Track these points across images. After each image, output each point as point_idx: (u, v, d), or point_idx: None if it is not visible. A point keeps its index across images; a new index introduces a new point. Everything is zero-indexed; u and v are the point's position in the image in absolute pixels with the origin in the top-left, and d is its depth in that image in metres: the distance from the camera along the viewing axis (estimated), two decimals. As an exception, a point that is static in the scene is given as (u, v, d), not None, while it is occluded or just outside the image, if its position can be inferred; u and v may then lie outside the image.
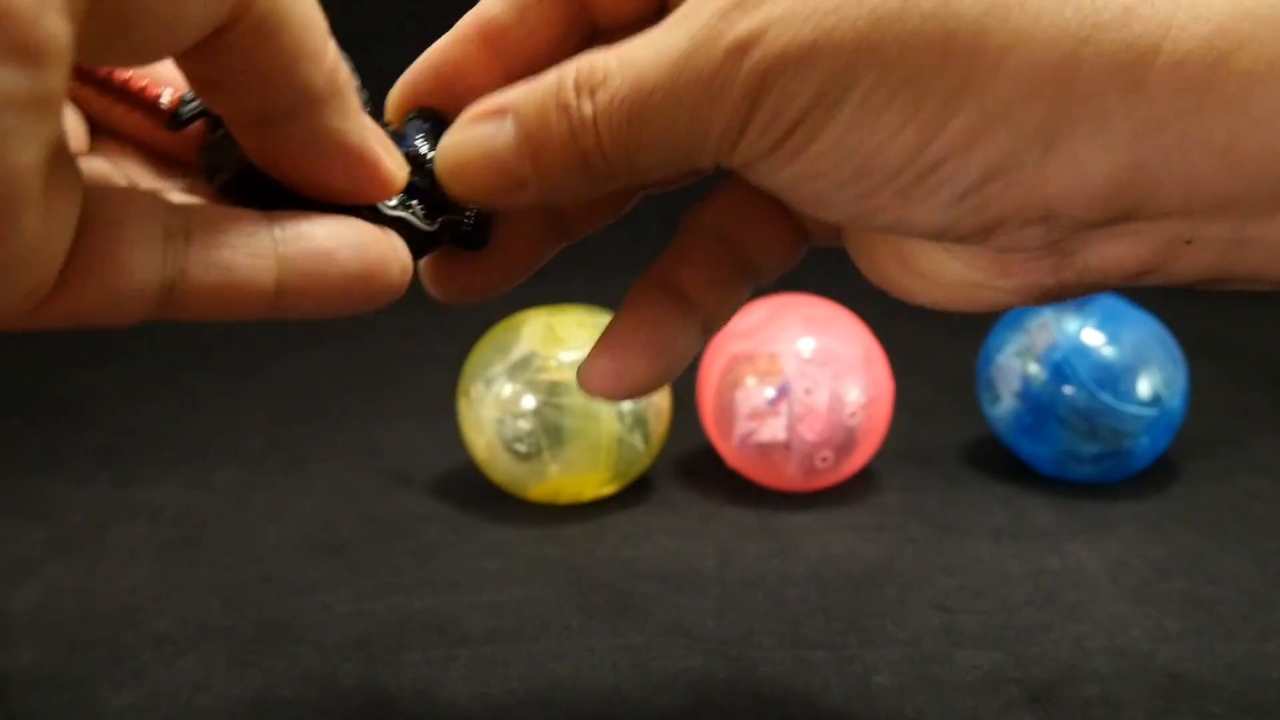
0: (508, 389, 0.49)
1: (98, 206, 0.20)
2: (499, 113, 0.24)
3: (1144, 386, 0.51)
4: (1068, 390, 0.51)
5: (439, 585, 0.45)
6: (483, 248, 0.26)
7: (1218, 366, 0.72)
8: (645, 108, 0.22)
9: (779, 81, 0.22)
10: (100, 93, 0.24)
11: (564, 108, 0.23)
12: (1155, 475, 0.55)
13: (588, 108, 0.23)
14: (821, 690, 0.38)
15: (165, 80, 0.24)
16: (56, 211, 0.19)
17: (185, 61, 0.21)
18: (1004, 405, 0.53)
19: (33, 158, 0.17)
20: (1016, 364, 0.53)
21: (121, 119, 0.26)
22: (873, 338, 0.53)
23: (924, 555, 0.47)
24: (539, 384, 0.49)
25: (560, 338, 0.50)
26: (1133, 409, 0.50)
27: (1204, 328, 0.71)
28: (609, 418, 0.49)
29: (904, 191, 0.22)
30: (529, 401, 0.48)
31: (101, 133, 0.26)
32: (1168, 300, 0.56)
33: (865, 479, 0.55)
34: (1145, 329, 0.52)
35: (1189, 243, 0.22)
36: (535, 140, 0.23)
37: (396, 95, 0.27)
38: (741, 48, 0.22)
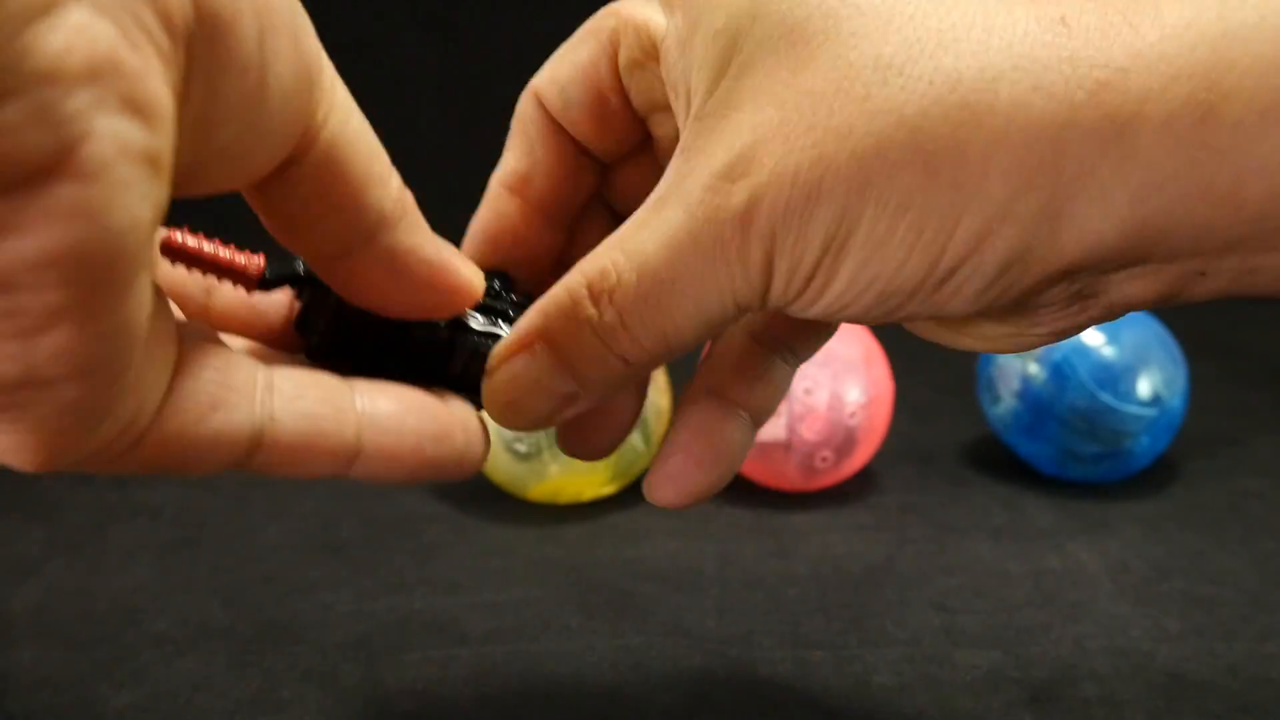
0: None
1: (193, 352, 0.21)
2: (527, 345, 0.25)
3: (1144, 386, 0.51)
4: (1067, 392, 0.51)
5: (439, 585, 0.45)
6: None
7: (1218, 366, 0.72)
8: (666, 295, 0.23)
9: (788, 240, 0.22)
10: (188, 263, 0.24)
11: (586, 321, 0.24)
12: (1155, 475, 0.55)
13: (610, 314, 0.24)
14: (821, 690, 0.38)
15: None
16: (156, 343, 0.19)
17: (260, 198, 0.22)
18: (1004, 405, 0.53)
19: (146, 215, 0.17)
20: (1016, 364, 0.53)
21: (212, 312, 0.26)
22: (873, 338, 0.53)
23: (924, 555, 0.47)
24: (539, 384, 0.49)
25: (560, 338, 0.50)
26: (1133, 409, 0.50)
27: (1204, 328, 0.71)
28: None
29: (929, 298, 0.23)
30: (529, 401, 0.48)
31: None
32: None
33: (865, 479, 0.55)
34: (1145, 329, 0.52)
35: (1203, 274, 0.23)
36: (570, 358, 0.25)
37: None
38: (745, 219, 0.22)
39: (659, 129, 0.29)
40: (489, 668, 0.39)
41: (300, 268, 0.25)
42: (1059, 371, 0.51)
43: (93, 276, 0.17)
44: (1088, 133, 0.21)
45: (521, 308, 0.26)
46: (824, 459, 0.50)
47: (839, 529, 0.50)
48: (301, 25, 0.20)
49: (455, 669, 0.39)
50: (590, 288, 0.24)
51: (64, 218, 0.16)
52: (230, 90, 0.18)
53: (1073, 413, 0.51)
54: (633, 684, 0.38)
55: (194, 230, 0.24)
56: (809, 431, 0.50)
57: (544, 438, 0.49)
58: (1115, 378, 0.50)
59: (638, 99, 0.28)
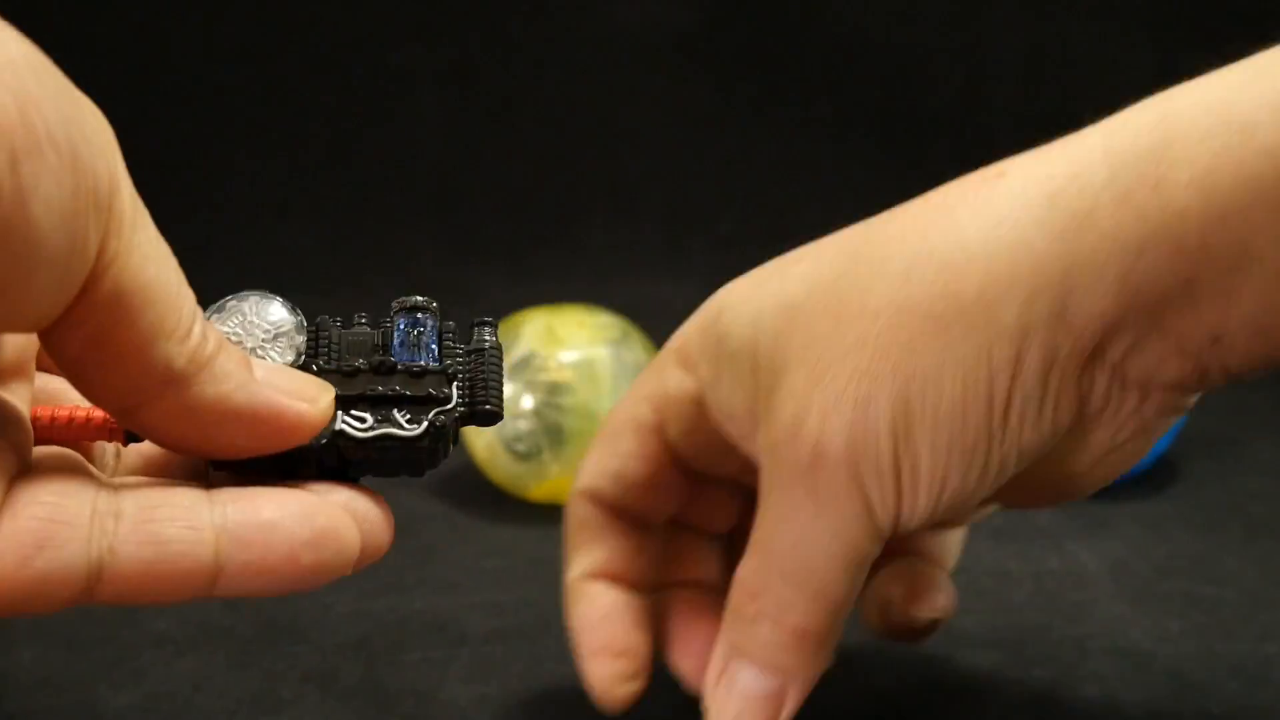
0: (507, 389, 0.49)
1: (24, 488, 0.19)
2: (720, 668, 0.29)
3: (1144, 386, 0.51)
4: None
5: (439, 585, 0.45)
6: (498, 422, 0.25)
7: (1218, 366, 0.72)
8: (804, 580, 0.27)
9: (862, 460, 0.25)
10: (52, 438, 0.23)
11: (756, 619, 0.28)
12: (1155, 475, 0.55)
13: (765, 632, 0.28)
14: (821, 690, 0.38)
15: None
16: None
17: (46, 340, 0.19)
18: (1004, 405, 0.53)
19: None
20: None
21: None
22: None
23: (924, 555, 0.47)
24: (539, 384, 0.49)
25: (560, 338, 0.50)
26: (1133, 409, 0.50)
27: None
28: (609, 418, 0.49)
29: (1005, 440, 0.25)
30: (529, 401, 0.48)
31: None
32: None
33: (865, 479, 0.55)
34: (1146, 329, 0.52)
35: (1216, 340, 0.24)
36: (764, 657, 0.28)
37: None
38: (815, 456, 0.25)
39: (719, 469, 0.32)
40: (489, 668, 0.39)
41: None
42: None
43: None
44: (1061, 237, 0.24)
45: (416, 378, 0.24)
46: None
47: (839, 529, 0.50)
48: (86, 146, 0.18)
49: (455, 669, 0.39)
50: (749, 592, 0.28)
51: None
52: None
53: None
54: (633, 684, 0.38)
55: (48, 405, 0.23)
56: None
57: (544, 438, 0.49)
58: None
59: (697, 456, 0.31)
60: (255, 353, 0.23)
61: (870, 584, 0.30)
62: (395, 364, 0.24)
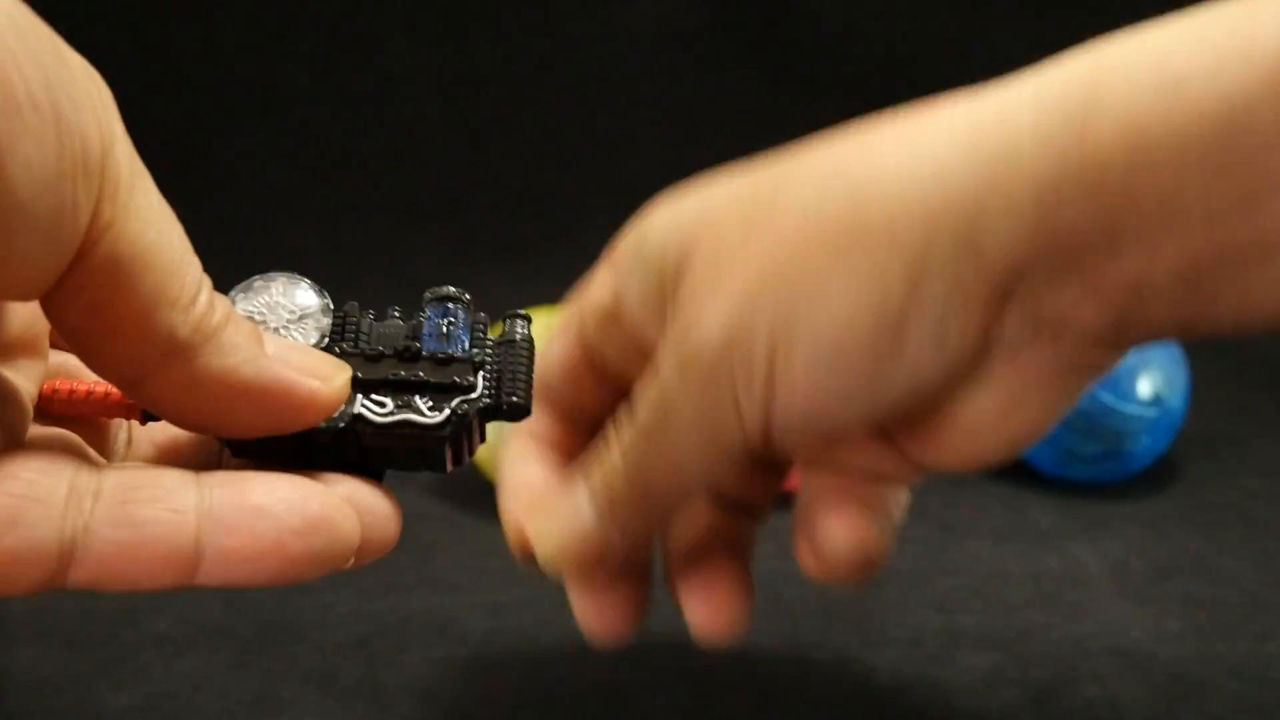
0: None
1: (2, 463, 0.19)
2: (569, 498, 0.28)
3: (1144, 386, 0.50)
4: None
5: (439, 585, 0.45)
6: (525, 416, 0.24)
7: (1218, 366, 0.72)
8: (678, 392, 0.26)
9: (735, 349, 0.25)
10: (68, 413, 0.22)
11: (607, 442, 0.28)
12: (1156, 475, 0.55)
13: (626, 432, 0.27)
14: (822, 690, 0.38)
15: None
16: None
17: (48, 310, 0.19)
18: (1004, 405, 0.53)
19: None
20: (1017, 364, 0.52)
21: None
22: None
23: (924, 555, 0.47)
24: (539, 384, 0.49)
25: (560, 338, 0.50)
26: (1133, 409, 0.50)
27: (1205, 328, 0.71)
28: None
29: (889, 358, 0.25)
30: (529, 401, 0.48)
31: None
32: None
33: (866, 479, 0.55)
34: (1146, 329, 0.52)
35: (1140, 290, 0.23)
36: (602, 491, 0.28)
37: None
38: (696, 350, 0.25)
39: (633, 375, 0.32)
40: (489, 668, 0.39)
41: None
42: (1059, 371, 0.51)
43: None
44: (977, 172, 0.23)
45: (441, 365, 0.23)
46: (824, 459, 0.50)
47: (839, 529, 0.50)
48: (72, 107, 0.17)
49: (455, 669, 0.39)
50: (616, 418, 0.28)
51: None
52: None
53: (1073, 412, 0.50)
54: (633, 684, 0.38)
55: (67, 380, 0.23)
56: (809, 431, 0.50)
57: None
58: (1116, 377, 0.50)
59: (611, 360, 0.32)
60: (278, 333, 0.23)
61: (803, 514, 0.29)
62: (420, 351, 0.23)
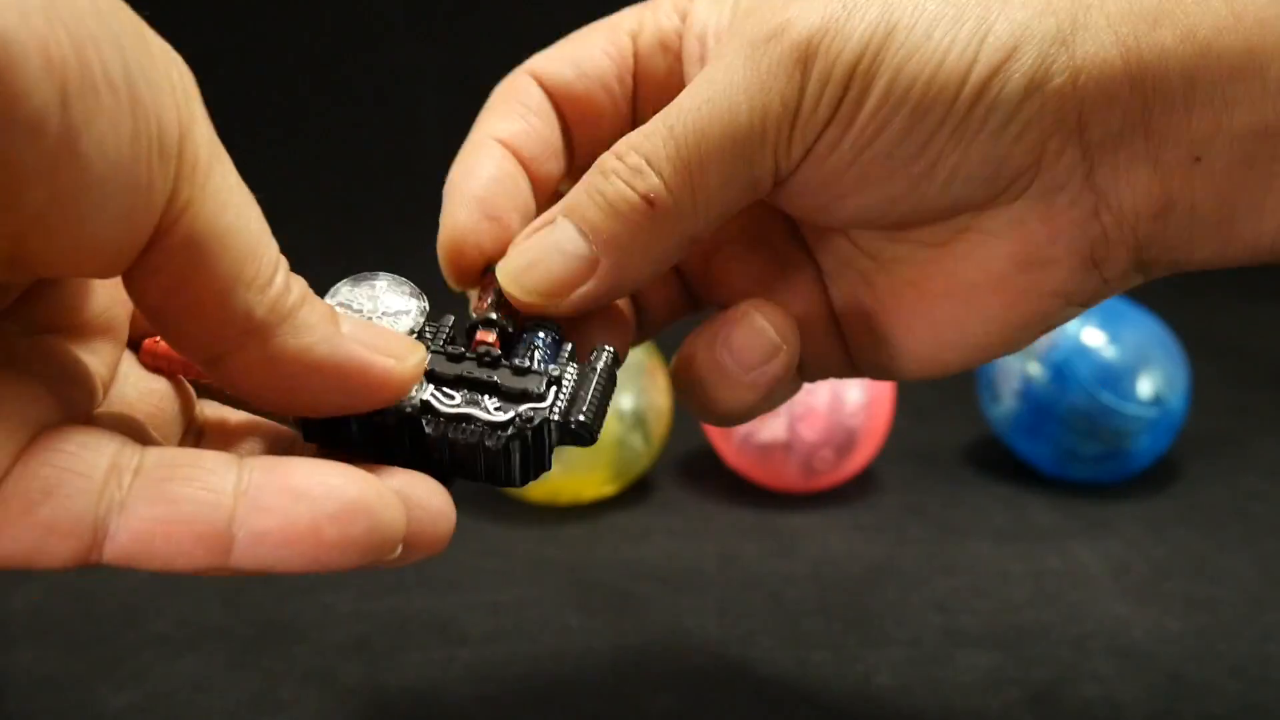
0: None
1: (50, 435, 0.19)
2: (546, 222, 0.25)
3: (1145, 386, 0.51)
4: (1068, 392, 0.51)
5: (439, 585, 0.45)
6: (591, 441, 0.24)
7: (1218, 366, 0.72)
8: (700, 121, 0.24)
9: (822, 42, 0.23)
10: (164, 367, 0.23)
11: (611, 171, 0.24)
12: (1156, 475, 0.55)
13: (633, 159, 0.24)
14: (822, 691, 0.38)
15: None
16: None
17: (129, 288, 0.19)
18: (1004, 405, 0.53)
19: None
20: (1016, 364, 0.53)
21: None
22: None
23: (924, 555, 0.47)
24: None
25: (560, 338, 0.50)
26: (1133, 409, 0.50)
27: (1204, 328, 0.71)
28: (609, 418, 0.49)
29: (958, 130, 0.24)
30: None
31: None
32: (1168, 300, 0.56)
33: (865, 479, 0.55)
34: (1146, 329, 0.52)
35: (1198, 160, 0.23)
36: (592, 216, 0.24)
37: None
38: (777, 31, 0.24)
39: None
40: (489, 668, 0.39)
41: None
42: (1060, 372, 0.51)
43: None
44: None
45: (517, 374, 0.24)
46: (824, 459, 0.50)
47: (839, 529, 0.50)
48: (150, 89, 0.17)
49: (455, 669, 0.39)
50: (617, 147, 0.24)
51: None
52: (18, 149, 0.16)
53: (1073, 413, 0.51)
54: (633, 684, 0.38)
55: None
56: (809, 431, 0.50)
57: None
58: (1116, 378, 0.50)
59: (647, 84, 0.29)
60: (370, 319, 0.24)
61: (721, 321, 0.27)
62: (499, 358, 0.24)
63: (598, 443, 0.24)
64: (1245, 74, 0.23)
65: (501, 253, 0.26)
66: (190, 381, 0.25)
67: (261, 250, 0.19)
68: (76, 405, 0.21)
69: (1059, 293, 0.25)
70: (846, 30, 0.23)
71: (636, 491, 0.53)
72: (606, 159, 0.25)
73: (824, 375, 0.29)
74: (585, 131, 0.29)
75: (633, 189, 0.24)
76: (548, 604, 0.44)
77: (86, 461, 0.19)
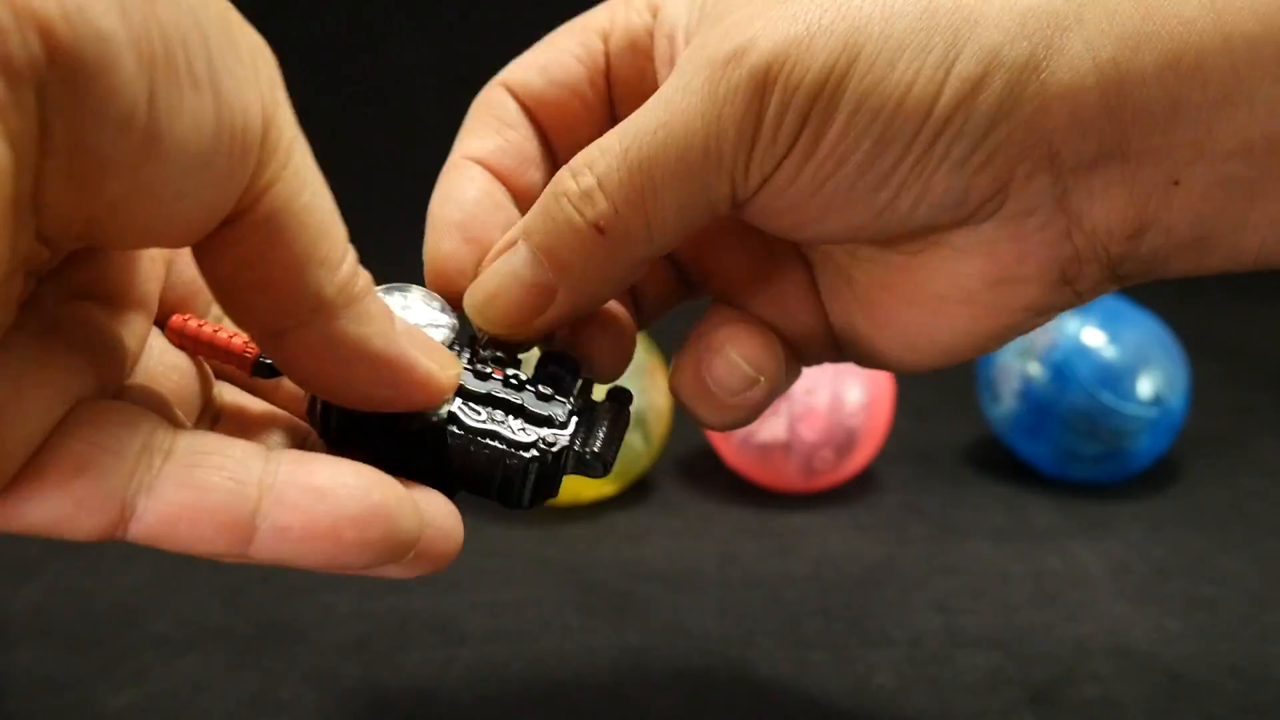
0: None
1: (88, 411, 0.19)
2: (509, 244, 0.25)
3: (1145, 386, 0.51)
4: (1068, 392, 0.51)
5: (439, 585, 0.45)
6: (603, 474, 0.25)
7: (1218, 366, 0.72)
8: (653, 146, 0.23)
9: (782, 69, 0.23)
10: (190, 347, 0.24)
11: (562, 194, 0.24)
12: (1156, 475, 0.55)
13: (586, 180, 0.24)
14: (822, 691, 0.38)
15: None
16: (28, 400, 0.18)
17: (200, 258, 0.20)
18: (1004, 405, 0.53)
19: None
20: (1016, 364, 0.53)
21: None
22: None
23: (924, 555, 0.47)
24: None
25: (560, 338, 0.50)
26: (1133, 409, 0.50)
27: (1204, 328, 0.71)
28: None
29: (921, 161, 0.23)
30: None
31: None
32: (1168, 300, 0.56)
33: (865, 479, 0.55)
34: (1146, 329, 0.52)
35: (1176, 184, 0.23)
36: (546, 242, 0.24)
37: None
38: (737, 54, 0.23)
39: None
40: (489, 668, 0.39)
41: None
42: (1060, 372, 0.51)
43: None
44: (1067, 6, 0.23)
45: (542, 400, 0.24)
46: (824, 459, 0.50)
47: (839, 529, 0.50)
48: (233, 82, 0.18)
49: (455, 669, 0.39)
50: (570, 166, 0.24)
51: None
52: (106, 143, 0.16)
53: (1073, 413, 0.51)
54: (633, 684, 0.38)
55: (199, 316, 0.24)
56: (809, 431, 0.50)
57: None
58: (1116, 378, 0.50)
59: (620, 85, 0.29)
60: None
61: (703, 338, 0.28)
62: (526, 383, 0.25)
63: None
64: (1232, 98, 0.22)
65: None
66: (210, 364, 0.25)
67: (335, 231, 0.20)
68: (108, 376, 0.21)
69: (1029, 308, 0.25)
70: (808, 57, 0.23)
71: (636, 491, 0.53)
72: (562, 177, 0.24)
73: (819, 361, 0.29)
74: (564, 136, 0.29)
75: (582, 216, 0.24)
76: (548, 604, 0.44)
77: (121, 440, 0.19)
